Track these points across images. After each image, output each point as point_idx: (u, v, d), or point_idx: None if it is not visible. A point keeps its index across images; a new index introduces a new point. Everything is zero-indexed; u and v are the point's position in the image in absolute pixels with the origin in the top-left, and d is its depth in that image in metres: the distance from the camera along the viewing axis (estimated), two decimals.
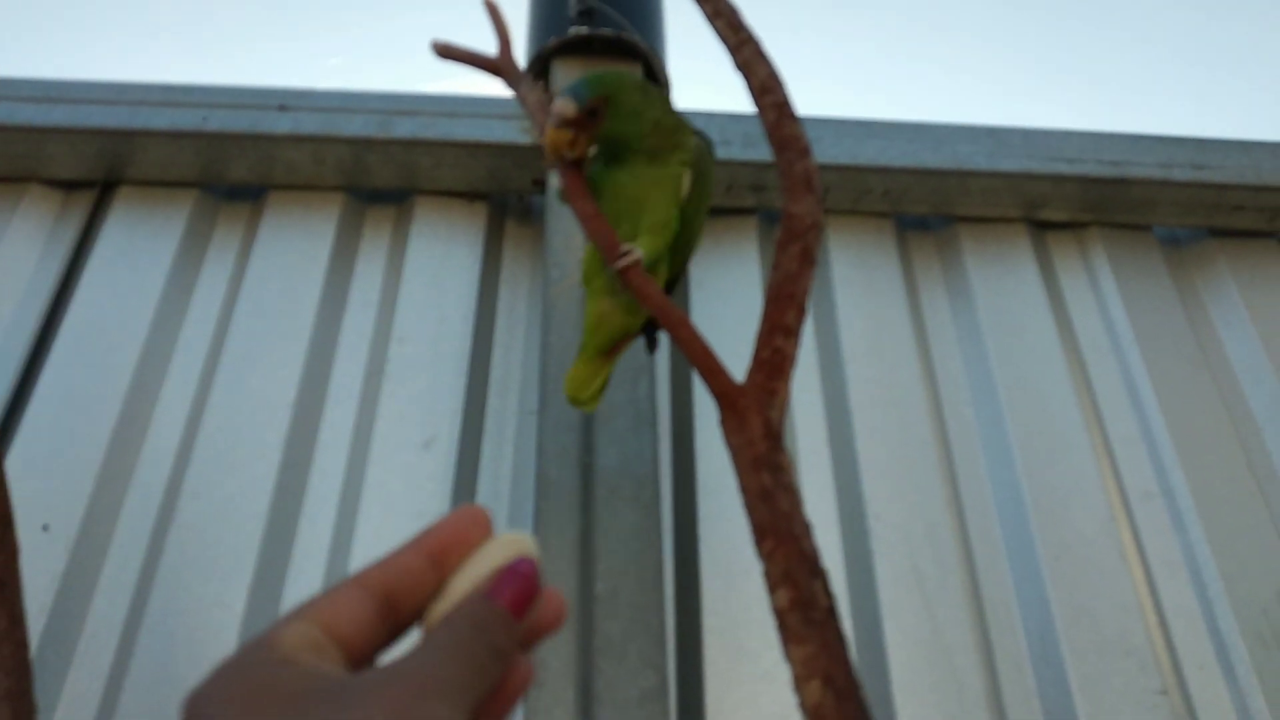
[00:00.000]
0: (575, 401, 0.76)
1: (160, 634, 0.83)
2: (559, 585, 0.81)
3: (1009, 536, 0.92)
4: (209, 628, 0.83)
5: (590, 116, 0.63)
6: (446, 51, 0.72)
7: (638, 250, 0.63)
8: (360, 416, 0.96)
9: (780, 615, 0.47)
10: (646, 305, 0.61)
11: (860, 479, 0.94)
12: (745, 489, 0.52)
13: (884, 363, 1.02)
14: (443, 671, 0.28)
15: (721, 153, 1.06)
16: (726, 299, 1.05)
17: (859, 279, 1.08)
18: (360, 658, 0.30)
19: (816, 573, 0.47)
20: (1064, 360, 1.04)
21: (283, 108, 1.07)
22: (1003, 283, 1.09)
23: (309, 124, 1.06)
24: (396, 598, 0.32)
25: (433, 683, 0.27)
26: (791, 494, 0.51)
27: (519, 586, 0.31)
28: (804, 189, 0.60)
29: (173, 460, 0.93)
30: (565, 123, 0.62)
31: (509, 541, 0.34)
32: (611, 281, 0.70)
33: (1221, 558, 0.90)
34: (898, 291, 1.08)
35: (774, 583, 0.48)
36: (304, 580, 0.87)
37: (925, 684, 0.83)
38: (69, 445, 0.92)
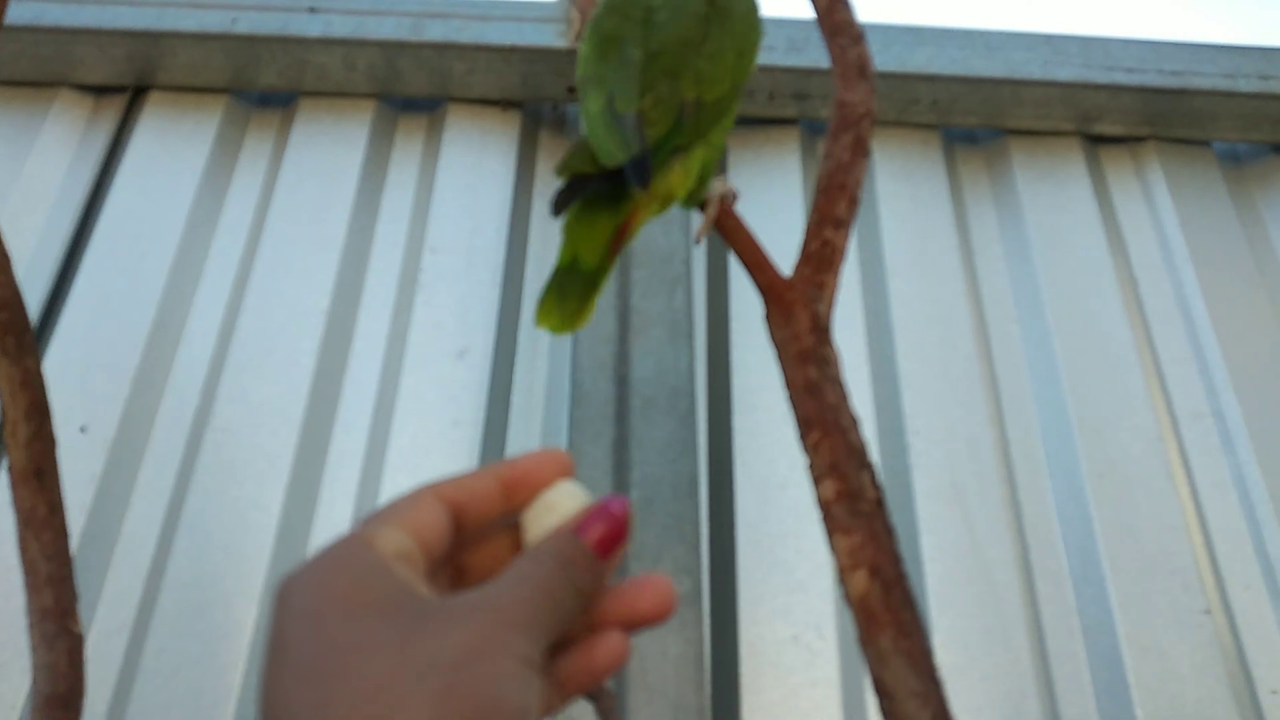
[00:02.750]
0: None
1: (198, 535, 0.84)
2: (594, 493, 0.80)
3: (1052, 454, 0.90)
4: (245, 530, 0.84)
5: None
6: None
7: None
8: (394, 325, 0.95)
9: (826, 507, 0.45)
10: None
11: (900, 394, 0.92)
12: (790, 383, 0.50)
13: (928, 278, 0.99)
14: (522, 605, 0.28)
15: (764, 59, 1.02)
16: (767, 213, 1.02)
17: (904, 193, 1.05)
18: (436, 563, 0.31)
19: (864, 464, 0.46)
20: (1115, 278, 1.00)
21: (313, 10, 1.04)
22: (1054, 198, 1.05)
23: (339, 27, 1.03)
24: (464, 515, 0.32)
25: (512, 615, 0.28)
26: (838, 386, 0.49)
27: (609, 526, 0.31)
28: (857, 75, 0.57)
29: (208, 365, 0.92)
30: None
31: (572, 492, 0.33)
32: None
33: (1271, 479, 0.87)
34: (944, 206, 1.04)
35: (820, 474, 0.46)
36: (339, 485, 0.87)
37: (963, 599, 0.82)
38: (104, 349, 0.92)
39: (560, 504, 0.33)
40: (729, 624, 0.81)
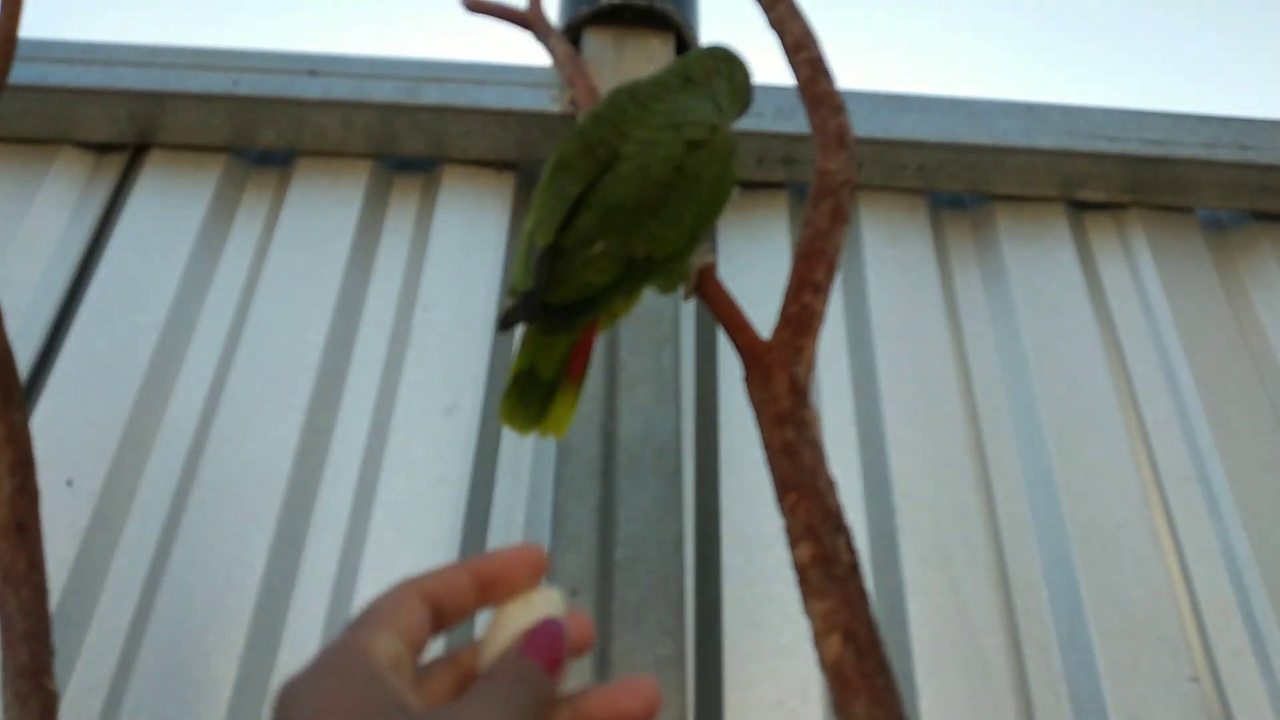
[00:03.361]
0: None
1: (180, 592, 0.83)
2: (579, 553, 0.80)
3: (1039, 518, 0.90)
4: (229, 587, 0.83)
5: None
6: (476, 6, 0.71)
7: None
8: (384, 382, 0.96)
9: (801, 570, 0.46)
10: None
11: (888, 457, 0.92)
12: (768, 445, 0.51)
13: (914, 342, 1.00)
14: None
15: (753, 124, 1.04)
16: (755, 275, 1.03)
17: (891, 256, 1.06)
18: (416, 659, 0.33)
19: (839, 528, 0.46)
20: (1100, 343, 1.01)
21: (313, 72, 1.07)
22: (1039, 264, 1.06)
23: (338, 89, 1.06)
24: (442, 611, 0.34)
25: None
26: (816, 449, 0.49)
27: (550, 646, 0.33)
28: (837, 145, 0.59)
29: (197, 421, 0.93)
30: None
31: (548, 598, 0.36)
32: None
33: (1258, 544, 0.87)
34: (930, 270, 1.06)
35: (795, 538, 0.46)
36: (324, 542, 0.87)
37: (950, 665, 0.81)
38: (94, 403, 0.92)
39: (516, 619, 0.35)
40: (714, 687, 0.80)
